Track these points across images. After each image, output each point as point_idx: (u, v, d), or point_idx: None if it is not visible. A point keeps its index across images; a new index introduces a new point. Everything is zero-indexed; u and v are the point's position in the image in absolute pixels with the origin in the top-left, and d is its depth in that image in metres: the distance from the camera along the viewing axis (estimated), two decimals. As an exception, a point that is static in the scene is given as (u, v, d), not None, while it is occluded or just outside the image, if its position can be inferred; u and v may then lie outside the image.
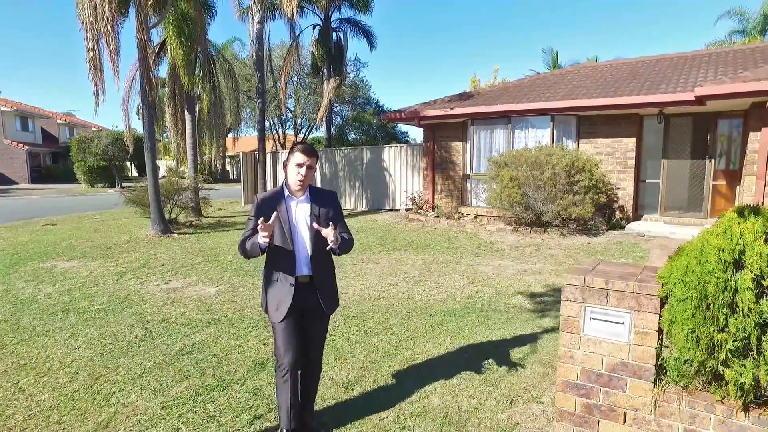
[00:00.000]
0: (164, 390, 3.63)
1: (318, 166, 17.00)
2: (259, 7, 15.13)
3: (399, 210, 14.31)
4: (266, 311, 2.91)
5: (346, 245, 2.87)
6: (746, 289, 2.14)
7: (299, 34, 19.82)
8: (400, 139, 28.78)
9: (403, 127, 28.86)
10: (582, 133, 11.07)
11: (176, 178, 13.12)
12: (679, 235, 9.16)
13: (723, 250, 2.24)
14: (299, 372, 2.93)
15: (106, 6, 8.26)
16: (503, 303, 5.71)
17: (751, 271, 2.14)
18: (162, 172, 17.55)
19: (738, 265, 2.24)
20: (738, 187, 9.92)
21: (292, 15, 15.23)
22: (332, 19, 19.89)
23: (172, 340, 4.67)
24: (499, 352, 4.25)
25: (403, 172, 14.99)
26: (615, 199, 10.79)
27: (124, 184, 27.61)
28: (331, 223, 2.77)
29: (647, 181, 11.24)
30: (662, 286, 2.51)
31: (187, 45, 11.95)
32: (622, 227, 10.29)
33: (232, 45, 29.81)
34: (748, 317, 2.13)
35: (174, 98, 14.31)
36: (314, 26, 19.87)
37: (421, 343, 4.47)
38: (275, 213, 2.73)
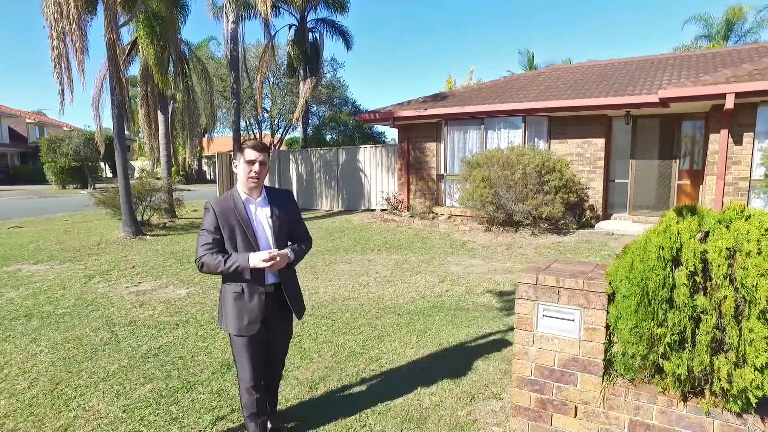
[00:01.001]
0: (127, 393, 3.60)
1: (294, 167, 16.98)
2: (234, 6, 15.01)
3: (374, 210, 14.36)
4: (225, 325, 2.74)
5: (301, 255, 2.85)
6: (682, 284, 2.24)
7: (275, 34, 19.71)
8: (377, 139, 28.84)
9: (380, 127, 28.93)
10: (553, 133, 11.28)
11: (149, 179, 12.92)
12: (645, 234, 9.41)
13: (662, 248, 2.34)
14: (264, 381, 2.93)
15: (72, 3, 8.11)
16: (472, 302, 5.80)
17: (686, 268, 2.25)
18: (138, 173, 17.30)
19: (676, 262, 2.34)
20: (701, 187, 10.25)
21: (267, 15, 15.16)
22: (308, 19, 19.83)
23: (138, 343, 4.63)
24: (464, 350, 4.33)
25: (379, 172, 15.05)
26: (585, 198, 11.03)
27: (97, 185, 27.07)
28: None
29: (616, 180, 11.52)
30: (609, 283, 2.61)
31: (158, 44, 11.79)
32: (592, 226, 10.52)
33: (208, 44, 29.51)
34: (684, 311, 2.23)
35: (147, 98, 14.09)
36: (290, 26, 19.78)
37: (387, 342, 4.52)
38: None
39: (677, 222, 2.39)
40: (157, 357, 4.30)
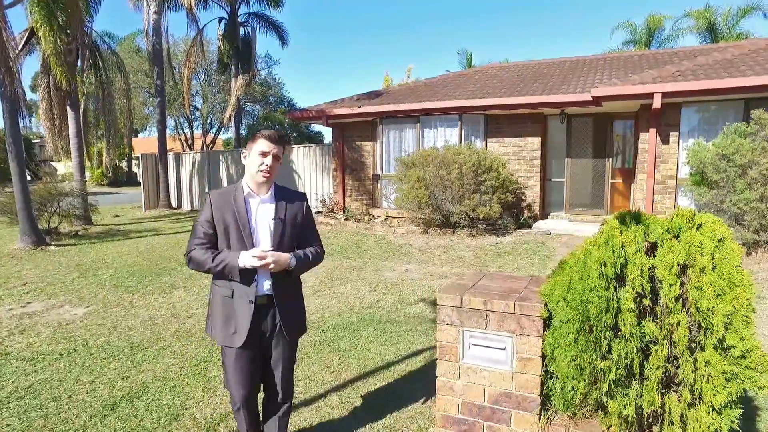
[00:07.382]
0: (-36, 456, 2.86)
1: (224, 168, 16.04)
2: (154, -4, 13.93)
3: (310, 213, 13.74)
4: (211, 334, 2.47)
5: (306, 264, 2.48)
6: (628, 309, 1.85)
7: (203, 27, 18.59)
8: (315, 139, 28.08)
9: (317, 127, 28.20)
10: (490, 132, 11.11)
11: (55, 183, 11.66)
12: (582, 233, 9.36)
13: (605, 264, 1.95)
14: (263, 405, 2.64)
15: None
16: (403, 312, 5.36)
17: (633, 288, 1.87)
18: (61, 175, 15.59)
19: (621, 280, 1.96)
20: (633, 185, 10.39)
21: (191, 6, 14.18)
22: (240, 12, 18.88)
23: (2, 383, 3.84)
24: (391, 372, 3.86)
25: (313, 173, 14.45)
26: (523, 198, 10.92)
27: (7, 190, 24.63)
28: (274, 250, 2.35)
29: (553, 179, 11.52)
30: (545, 305, 2.20)
31: (59, 32, 10.55)
32: (530, 226, 10.40)
33: (136, 37, 27.58)
34: (631, 341, 1.85)
35: (49, 92, 12.69)
36: (220, 20, 18.73)
37: (305, 366, 3.98)
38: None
39: (620, 232, 2.01)
40: (22, 401, 3.54)
